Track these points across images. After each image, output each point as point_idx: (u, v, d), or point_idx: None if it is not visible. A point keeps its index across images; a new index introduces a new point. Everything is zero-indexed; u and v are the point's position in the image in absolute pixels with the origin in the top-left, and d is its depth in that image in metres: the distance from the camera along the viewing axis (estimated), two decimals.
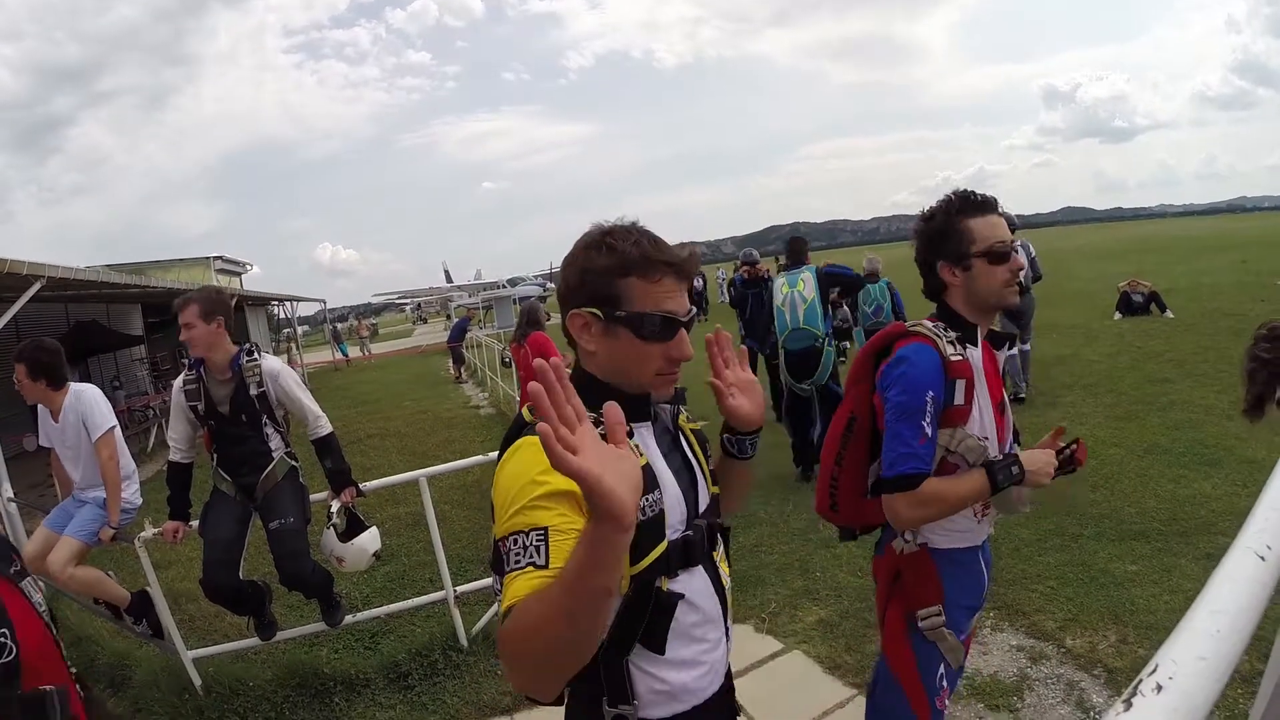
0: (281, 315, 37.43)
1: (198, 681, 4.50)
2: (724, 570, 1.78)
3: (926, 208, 2.42)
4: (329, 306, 39.58)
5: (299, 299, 33.82)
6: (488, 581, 5.03)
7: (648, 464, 1.59)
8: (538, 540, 1.38)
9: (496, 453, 4.40)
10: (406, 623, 5.26)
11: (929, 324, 2.31)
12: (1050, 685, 3.90)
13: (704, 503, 1.75)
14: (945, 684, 2.40)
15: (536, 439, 1.22)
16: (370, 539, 4.49)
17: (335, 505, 4.42)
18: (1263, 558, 0.85)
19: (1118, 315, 15.68)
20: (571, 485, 1.22)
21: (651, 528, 1.54)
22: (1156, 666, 0.67)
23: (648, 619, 1.59)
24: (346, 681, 4.58)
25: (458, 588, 4.92)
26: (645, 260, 1.62)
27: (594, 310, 1.62)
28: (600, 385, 1.64)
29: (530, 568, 1.35)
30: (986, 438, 2.29)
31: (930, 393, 2.17)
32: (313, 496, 4.53)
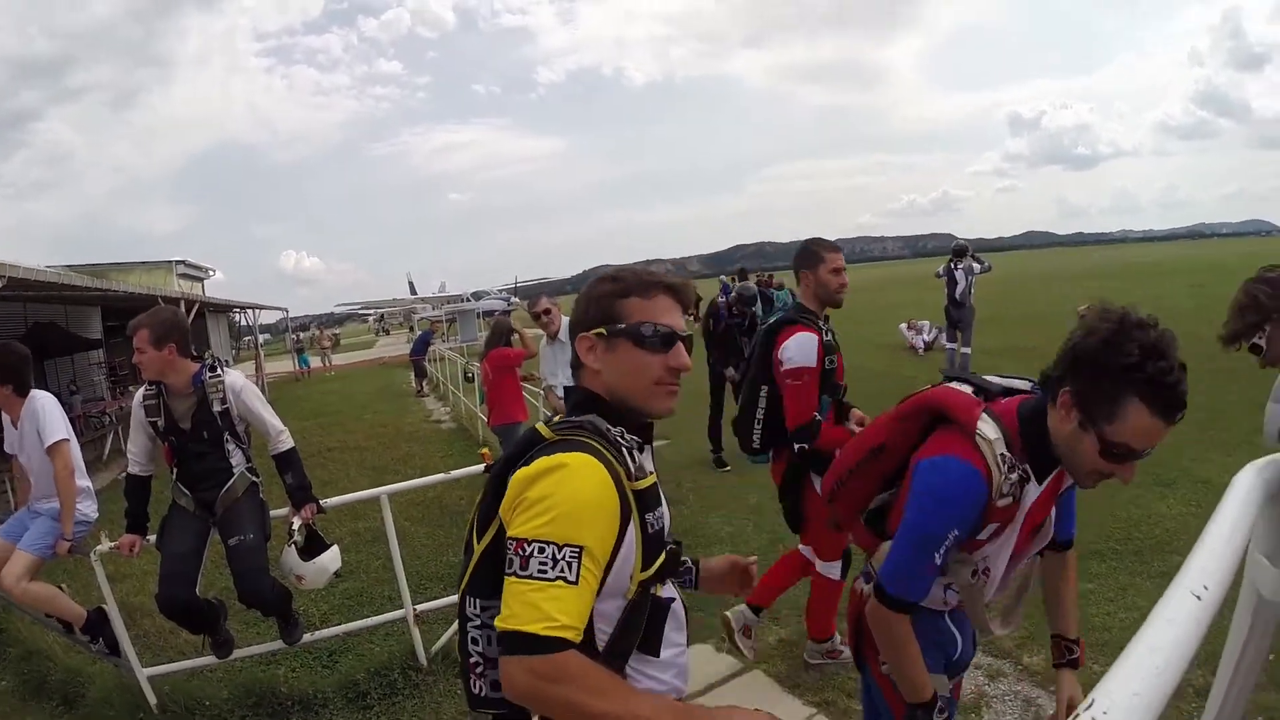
0: (243, 323, 37.12)
1: (153, 700, 4.44)
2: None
3: (1118, 318, 1.82)
4: (291, 315, 39.20)
5: (261, 307, 33.56)
6: (448, 600, 5.01)
7: (655, 482, 1.76)
8: (571, 556, 1.48)
9: (458, 471, 4.41)
10: (365, 641, 5.22)
11: (993, 434, 1.97)
12: (1008, 702, 3.98)
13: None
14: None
15: (589, 460, 1.58)
16: (331, 558, 4.44)
17: (296, 522, 4.37)
18: (1199, 597, 0.88)
19: None
20: (613, 526, 1.56)
21: (658, 539, 1.74)
22: (1093, 701, 0.70)
23: (646, 624, 1.73)
24: (304, 701, 4.54)
25: (417, 606, 4.89)
26: (642, 282, 1.80)
27: (599, 330, 1.77)
28: (606, 404, 1.77)
29: (561, 582, 1.46)
30: (988, 570, 2.13)
31: (956, 531, 1.96)
32: (273, 512, 4.46)
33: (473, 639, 1.71)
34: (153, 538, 4.27)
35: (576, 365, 1.84)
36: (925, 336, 17.55)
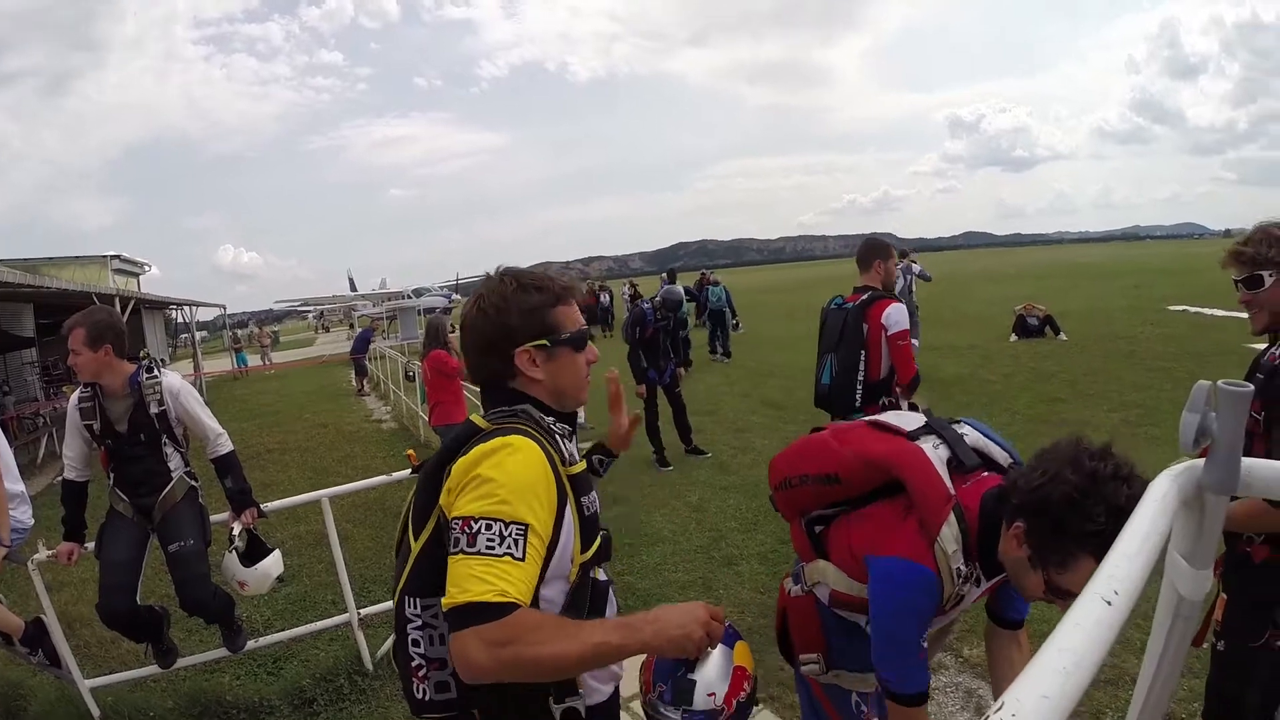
0: (180, 320, 36.51)
1: (96, 712, 4.37)
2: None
3: (1089, 472, 1.73)
4: (229, 312, 38.68)
5: (198, 304, 33.05)
6: (392, 603, 5.04)
7: (585, 469, 1.89)
8: (518, 534, 1.54)
9: (399, 473, 4.41)
10: (310, 646, 5.19)
11: (951, 546, 1.95)
12: (949, 693, 4.08)
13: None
14: (865, 708, 2.43)
15: (530, 443, 1.68)
16: (273, 563, 4.40)
17: (237, 527, 4.32)
18: (1109, 602, 0.93)
19: (1014, 337, 16.31)
20: (552, 506, 1.65)
21: (594, 521, 1.85)
22: (1003, 704, 0.74)
23: (589, 605, 1.80)
24: (250, 709, 4.50)
25: (361, 610, 4.89)
26: (564, 290, 1.91)
27: (541, 342, 1.84)
28: (545, 408, 1.86)
29: (508, 558, 1.51)
30: None
31: (926, 629, 2.02)
32: (213, 517, 4.41)
33: (413, 641, 1.72)
34: (91, 545, 4.20)
35: (504, 373, 1.87)
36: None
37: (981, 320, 19.35)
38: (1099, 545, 1.51)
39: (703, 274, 23.38)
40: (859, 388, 5.11)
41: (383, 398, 19.36)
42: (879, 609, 2.01)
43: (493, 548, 1.51)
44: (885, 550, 2.01)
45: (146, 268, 38.83)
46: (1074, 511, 1.69)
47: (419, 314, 39.05)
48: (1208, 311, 16.95)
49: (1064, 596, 1.75)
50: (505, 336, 1.84)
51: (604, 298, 31.58)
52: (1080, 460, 1.75)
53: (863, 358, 5.09)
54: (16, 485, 4.63)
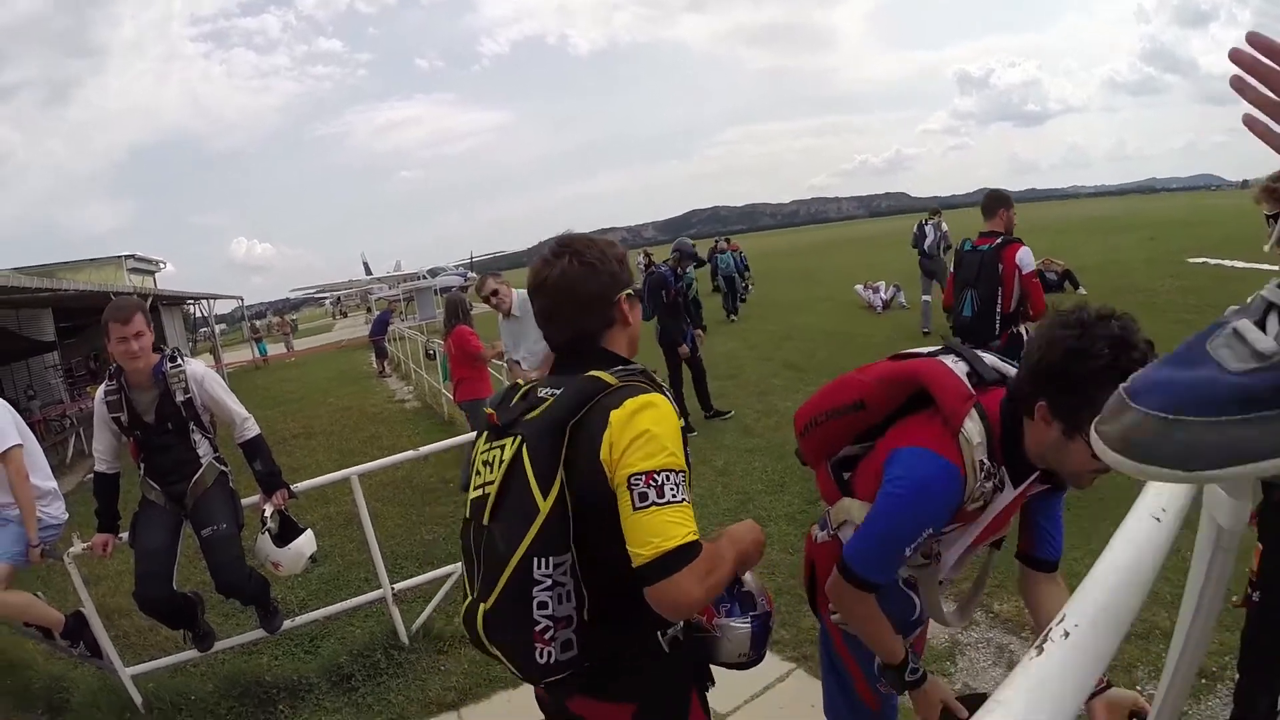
0: (198, 314, 36.63)
1: (138, 699, 4.42)
2: None
3: (1083, 329, 1.76)
4: (246, 303, 38.75)
5: (215, 297, 33.14)
6: (425, 577, 5.12)
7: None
8: (680, 479, 1.69)
9: (427, 448, 4.43)
10: (345, 624, 5.23)
11: (976, 438, 1.92)
12: (981, 649, 4.08)
13: None
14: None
15: (664, 398, 1.80)
16: (306, 542, 4.44)
17: (268, 509, 4.35)
18: (1158, 519, 0.93)
19: None
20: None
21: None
22: (1064, 616, 0.74)
23: None
24: (289, 688, 4.55)
25: (395, 585, 4.92)
26: (622, 249, 2.03)
27: (628, 290, 1.98)
28: (619, 358, 1.94)
29: (684, 502, 1.68)
30: (939, 555, 2.15)
31: (929, 529, 1.93)
32: (244, 501, 4.43)
33: (540, 603, 1.70)
34: (125, 535, 4.23)
35: (605, 324, 1.95)
36: (883, 295, 17.63)
37: None
38: (1116, 378, 1.43)
39: (716, 242, 23.46)
40: (997, 319, 5.90)
41: (404, 378, 19.41)
42: (887, 490, 1.96)
43: (676, 496, 1.66)
44: (908, 442, 1.99)
45: (162, 265, 38.95)
46: (1078, 359, 1.72)
47: (435, 293, 39.05)
48: (1228, 263, 16.57)
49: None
50: (613, 285, 1.94)
51: None
52: (1063, 319, 1.79)
53: (998, 293, 5.89)
54: (48, 482, 4.67)
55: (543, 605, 1.70)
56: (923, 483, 1.91)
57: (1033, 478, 2.00)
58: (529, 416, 1.83)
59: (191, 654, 4.53)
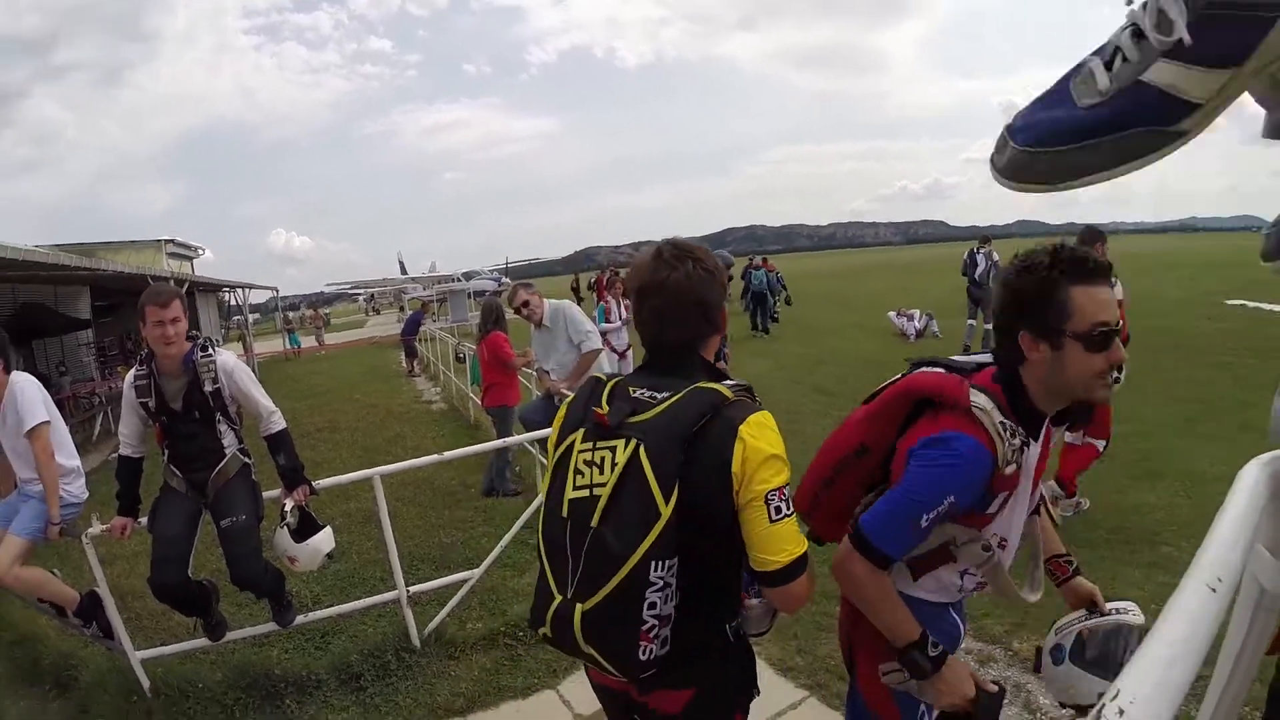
0: (233, 302, 36.95)
1: (146, 683, 4.42)
2: None
3: (1024, 258, 1.98)
4: (281, 295, 39.02)
5: (251, 286, 33.44)
6: (441, 581, 5.10)
7: None
8: (788, 495, 1.87)
9: (451, 452, 4.44)
10: (358, 622, 5.21)
11: (990, 407, 1.93)
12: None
13: None
14: (928, 716, 2.24)
15: (770, 416, 1.94)
16: (324, 539, 4.43)
17: (289, 504, 4.35)
18: (1213, 589, 0.89)
19: None
20: None
21: None
22: (1119, 691, 0.71)
23: None
24: (298, 683, 4.54)
25: (410, 587, 4.90)
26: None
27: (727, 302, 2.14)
28: (716, 370, 2.08)
29: (795, 515, 1.89)
30: (1004, 541, 2.12)
31: (952, 497, 1.90)
32: (265, 494, 4.44)
33: (650, 604, 1.78)
34: (144, 520, 4.24)
35: (711, 331, 2.06)
36: (917, 324, 17.54)
37: None
38: (1068, 271, 1.88)
39: (751, 259, 23.73)
40: None
41: (433, 379, 19.45)
42: (913, 464, 1.96)
43: (787, 511, 1.86)
44: (928, 433, 1.98)
45: (200, 252, 39.34)
46: (1027, 275, 1.94)
47: (469, 297, 39.21)
48: (1266, 306, 16.44)
49: (1105, 341, 1.87)
50: (723, 294, 2.11)
51: None
52: (1006, 269, 2.06)
53: None
54: (71, 460, 4.70)
55: (652, 606, 1.78)
56: (948, 452, 1.91)
57: (1046, 423, 2.09)
58: (638, 420, 1.89)
59: (202, 642, 4.53)
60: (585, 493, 1.88)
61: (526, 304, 6.95)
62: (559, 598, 1.87)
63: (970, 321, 14.83)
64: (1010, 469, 1.94)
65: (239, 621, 4.88)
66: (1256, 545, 1.15)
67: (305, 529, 4.39)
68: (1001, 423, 1.92)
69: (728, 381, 1.96)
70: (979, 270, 14.70)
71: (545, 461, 7.60)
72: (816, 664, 4.29)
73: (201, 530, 4.27)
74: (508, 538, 5.15)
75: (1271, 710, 2.68)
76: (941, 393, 2.00)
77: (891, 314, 18.83)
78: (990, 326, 13.96)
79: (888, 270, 55.95)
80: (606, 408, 1.94)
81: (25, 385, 4.54)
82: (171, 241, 34.71)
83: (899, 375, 2.19)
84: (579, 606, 1.82)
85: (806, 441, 8.95)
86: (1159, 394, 9.78)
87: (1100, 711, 0.69)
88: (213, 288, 32.01)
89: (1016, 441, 1.94)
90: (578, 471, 1.92)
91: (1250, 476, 1.12)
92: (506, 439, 6.52)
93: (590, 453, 1.91)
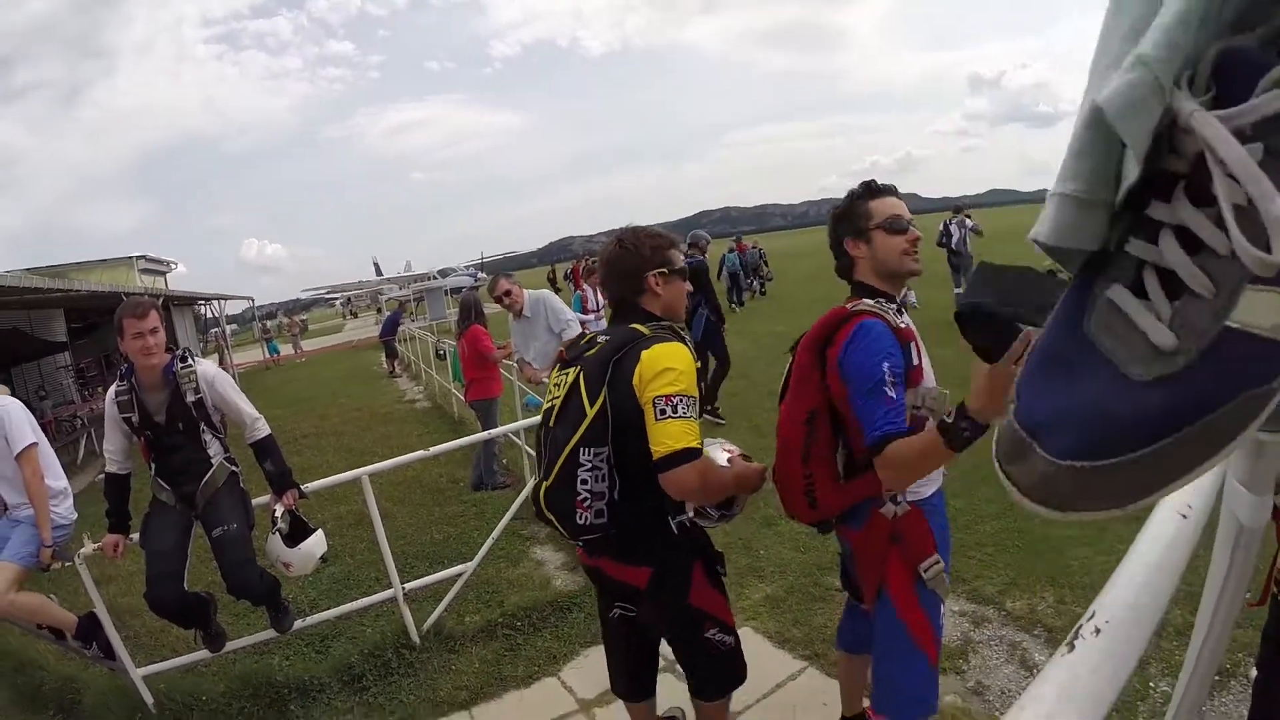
0: (209, 315, 36.72)
1: (149, 700, 4.41)
2: None
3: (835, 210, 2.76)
4: (257, 304, 38.71)
5: (226, 297, 33.22)
6: (436, 577, 5.13)
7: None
8: (691, 402, 2.46)
9: (437, 447, 4.55)
10: (356, 623, 5.23)
11: (868, 302, 2.53)
12: (994, 647, 4.05)
13: None
14: (941, 616, 2.67)
15: (682, 345, 2.58)
16: (316, 542, 4.42)
17: (279, 509, 4.33)
18: (1184, 515, 0.92)
19: None
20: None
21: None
22: (1094, 612, 0.74)
23: None
24: (300, 688, 4.55)
25: (406, 585, 4.92)
26: (671, 239, 2.86)
27: (661, 270, 2.76)
28: (654, 317, 2.74)
29: (693, 417, 2.45)
30: (945, 391, 2.43)
31: (888, 362, 2.34)
32: (254, 501, 4.43)
33: (582, 480, 2.51)
34: (136, 536, 4.22)
35: (637, 291, 2.76)
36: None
37: None
38: (865, 194, 2.67)
39: (752, 243, 24.37)
40: None
41: (415, 378, 19.43)
42: (852, 363, 2.41)
43: (686, 413, 2.43)
44: (842, 339, 2.47)
45: (173, 266, 39.05)
46: (844, 202, 2.74)
47: (446, 294, 39.12)
48: None
49: (902, 228, 2.58)
50: (642, 264, 2.75)
51: None
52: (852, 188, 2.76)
53: None
54: (59, 481, 4.67)
55: (584, 482, 2.51)
56: (862, 337, 2.42)
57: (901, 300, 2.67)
58: (588, 354, 2.63)
59: (203, 654, 4.52)
60: (550, 404, 2.71)
61: (509, 293, 6.99)
62: (540, 481, 2.64)
63: (957, 290, 14.85)
64: (903, 323, 2.51)
65: (238, 631, 4.88)
66: (1231, 481, 1.18)
67: (297, 533, 4.38)
68: (878, 300, 2.57)
69: (654, 323, 2.69)
70: (955, 239, 15.13)
71: (532, 453, 7.60)
72: (813, 634, 4.33)
73: (194, 542, 4.26)
74: (499, 529, 5.18)
75: (1265, 651, 2.73)
76: (831, 320, 2.54)
77: None
78: None
79: None
80: (576, 347, 2.76)
81: (11, 408, 4.52)
82: (143, 258, 34.46)
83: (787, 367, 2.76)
84: (544, 484, 2.60)
85: None
86: None
87: (1078, 631, 0.71)
88: (188, 301, 31.82)
89: (892, 307, 2.56)
90: (549, 392, 2.78)
91: None
92: (492, 431, 6.52)
93: (557, 377, 2.74)
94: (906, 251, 2.58)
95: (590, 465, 2.50)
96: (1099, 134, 0.66)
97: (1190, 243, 0.64)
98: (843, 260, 2.73)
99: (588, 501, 2.50)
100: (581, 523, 2.51)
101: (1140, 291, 0.66)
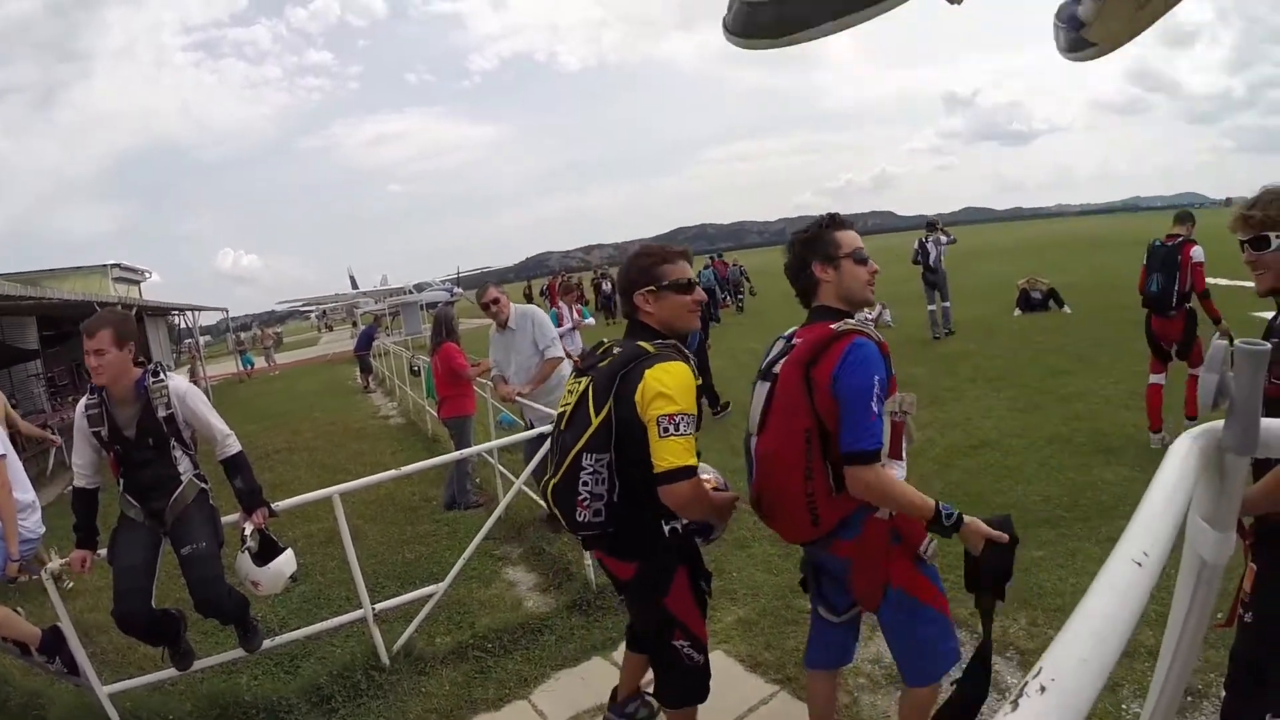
0: (183, 325, 36.49)
1: (115, 717, 4.34)
2: None
3: (805, 228, 3.00)
4: (231, 315, 38.51)
5: (201, 308, 33.03)
6: (407, 598, 5.10)
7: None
8: (688, 419, 2.64)
9: (410, 466, 4.58)
10: (326, 644, 5.19)
11: (852, 320, 2.75)
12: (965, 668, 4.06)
13: None
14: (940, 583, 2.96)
15: (683, 364, 2.75)
16: (286, 561, 4.38)
17: (248, 528, 4.29)
18: (1139, 564, 0.92)
19: (1017, 311, 16.42)
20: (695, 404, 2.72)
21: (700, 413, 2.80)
22: (1041, 669, 0.73)
23: None
24: (269, 708, 4.49)
25: (376, 605, 4.88)
26: (670, 253, 3.02)
27: (649, 288, 2.94)
28: (657, 331, 2.93)
29: (691, 435, 2.64)
30: (914, 396, 2.83)
31: (878, 376, 2.59)
32: (224, 519, 4.37)
33: (584, 482, 2.77)
34: (103, 552, 4.18)
35: (634, 309, 3.00)
36: (869, 315, 17.70)
37: (985, 295, 19.33)
38: (830, 227, 2.90)
39: (735, 262, 24.80)
40: (1174, 294, 7.36)
41: (389, 394, 19.34)
42: (846, 377, 2.60)
43: (684, 431, 2.61)
44: (835, 358, 2.64)
45: (147, 275, 38.81)
46: (812, 229, 2.94)
47: (422, 309, 38.98)
48: (1211, 281, 16.65)
49: (864, 259, 2.85)
50: (630, 284, 3.00)
51: (605, 285, 31.74)
52: (795, 235, 3.03)
53: (1176, 276, 7.36)
54: (26, 494, 4.63)
55: (585, 484, 2.77)
56: (853, 356, 2.62)
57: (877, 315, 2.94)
58: (600, 365, 2.87)
59: (170, 673, 4.46)
60: (564, 409, 2.96)
61: (497, 301, 6.89)
62: (549, 478, 2.92)
63: (930, 308, 15.13)
64: (881, 340, 2.73)
65: (206, 650, 4.83)
66: (1195, 517, 1.18)
67: (266, 552, 4.34)
68: (864, 319, 2.81)
69: (660, 340, 2.87)
70: (932, 257, 15.07)
71: (505, 472, 7.54)
72: (785, 657, 4.33)
73: (163, 559, 4.21)
74: (470, 549, 5.17)
75: (1233, 673, 2.79)
76: (819, 340, 2.70)
77: None
78: (948, 304, 14.90)
79: None
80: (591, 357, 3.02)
81: None
82: (118, 266, 34.24)
83: (767, 390, 2.87)
84: (551, 480, 2.90)
85: None
86: (1110, 371, 10.03)
87: (1023, 688, 0.71)
88: (161, 311, 31.60)
89: (871, 324, 2.82)
90: (564, 397, 3.00)
91: (1182, 449, 1.16)
92: (465, 450, 6.49)
93: (572, 384, 3.00)
94: (869, 281, 2.88)
95: (592, 469, 2.76)
96: None
97: None
98: (805, 282, 2.94)
99: (587, 501, 2.77)
100: (580, 520, 2.79)
101: None
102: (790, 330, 2.98)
